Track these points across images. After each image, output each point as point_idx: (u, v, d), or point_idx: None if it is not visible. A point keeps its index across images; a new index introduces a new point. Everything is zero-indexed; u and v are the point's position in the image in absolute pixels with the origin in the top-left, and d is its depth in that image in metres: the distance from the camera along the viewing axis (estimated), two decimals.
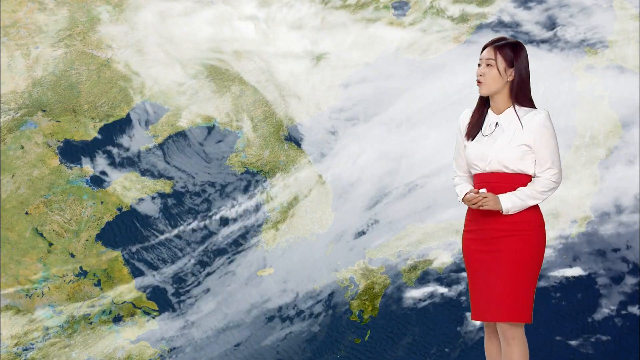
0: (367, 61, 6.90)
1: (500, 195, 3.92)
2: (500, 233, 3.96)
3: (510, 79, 3.93)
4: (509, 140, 3.92)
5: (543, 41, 6.82)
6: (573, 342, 6.36)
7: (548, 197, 3.94)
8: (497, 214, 3.94)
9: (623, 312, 6.42)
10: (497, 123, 3.98)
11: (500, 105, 3.98)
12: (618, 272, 6.50)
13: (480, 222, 4.02)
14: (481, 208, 3.92)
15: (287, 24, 6.89)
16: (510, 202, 3.91)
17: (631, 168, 6.63)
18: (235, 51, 6.88)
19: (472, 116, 4.07)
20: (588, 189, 6.64)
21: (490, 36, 6.52)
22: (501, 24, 6.90)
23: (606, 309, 6.43)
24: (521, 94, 3.94)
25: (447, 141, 6.76)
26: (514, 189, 3.92)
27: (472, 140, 4.04)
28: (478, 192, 3.93)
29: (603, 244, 6.56)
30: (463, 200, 4.00)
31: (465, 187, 4.10)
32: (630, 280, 6.48)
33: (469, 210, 4.07)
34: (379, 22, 6.89)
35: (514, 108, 3.94)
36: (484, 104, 4.05)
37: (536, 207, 3.97)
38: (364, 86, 6.88)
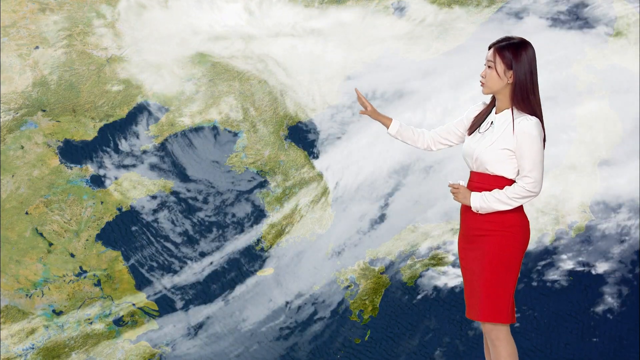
0: (370, 57, 6.89)
1: (473, 193, 3.94)
2: (479, 232, 3.97)
3: (510, 81, 3.92)
4: (492, 142, 3.92)
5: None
6: (573, 342, 6.36)
7: (520, 204, 3.90)
8: (476, 213, 3.96)
9: (623, 311, 6.42)
10: (491, 122, 3.98)
11: (501, 105, 3.99)
12: (618, 272, 6.51)
13: (464, 219, 4.06)
14: (455, 200, 4.00)
15: (288, 12, 6.88)
16: (479, 202, 3.92)
17: (631, 167, 6.63)
18: (235, 49, 6.88)
19: (480, 111, 4.09)
20: (588, 189, 6.64)
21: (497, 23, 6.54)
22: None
23: (606, 308, 6.44)
24: (519, 97, 3.91)
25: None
26: (490, 190, 3.93)
27: (468, 135, 4.07)
28: (458, 184, 3.98)
29: (603, 243, 6.56)
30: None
31: (407, 129, 4.22)
32: (630, 280, 6.49)
33: (460, 207, 4.10)
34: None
35: (512, 110, 3.94)
36: (493, 101, 4.06)
37: (518, 208, 3.96)
38: (367, 83, 6.87)
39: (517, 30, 6.82)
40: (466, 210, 4.03)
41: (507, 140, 3.89)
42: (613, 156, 6.67)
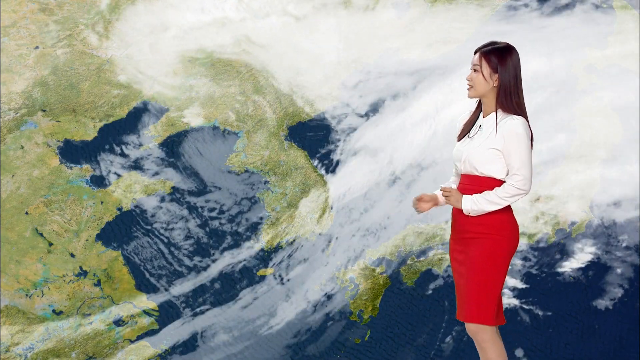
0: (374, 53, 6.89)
1: (464, 196, 4.00)
2: (468, 234, 4.04)
3: (495, 84, 4.01)
4: (480, 143, 4.00)
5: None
6: (573, 342, 6.36)
7: (511, 203, 3.96)
8: (467, 215, 4.02)
9: (623, 311, 6.42)
10: (480, 126, 4.06)
11: (487, 109, 4.10)
12: (618, 272, 6.51)
13: (455, 222, 4.12)
14: (447, 203, 4.08)
15: (292, 12, 6.88)
16: (470, 204, 3.98)
17: (631, 167, 6.63)
18: (235, 48, 6.88)
19: (468, 119, 4.18)
20: (588, 189, 6.64)
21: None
22: None
23: (606, 308, 6.44)
24: (505, 100, 4.01)
25: (450, 140, 6.77)
26: (480, 192, 3.99)
27: (458, 141, 4.14)
28: (450, 187, 4.07)
29: (603, 243, 6.56)
30: None
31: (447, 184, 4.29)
32: (630, 279, 6.49)
33: (452, 210, 4.16)
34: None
35: (496, 113, 4.01)
36: (479, 106, 4.15)
37: (506, 210, 4.02)
38: (370, 79, 6.87)
39: (517, 28, 6.83)
40: (457, 213, 4.10)
41: (495, 140, 3.97)
42: (613, 156, 6.67)
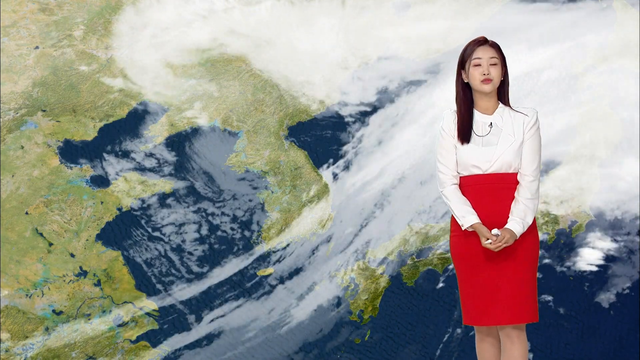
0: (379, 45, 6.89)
1: (509, 226, 3.87)
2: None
3: (502, 77, 3.98)
4: (513, 141, 3.92)
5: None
6: (573, 342, 6.36)
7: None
8: (497, 218, 3.91)
9: (623, 311, 6.42)
10: (491, 123, 3.97)
11: (490, 106, 3.99)
12: (618, 271, 6.51)
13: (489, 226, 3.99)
14: (504, 246, 3.88)
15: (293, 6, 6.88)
16: (519, 227, 3.86)
17: (631, 168, 6.63)
18: (234, 47, 6.88)
19: (460, 118, 4.01)
20: (588, 189, 6.64)
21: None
22: None
23: (606, 308, 6.44)
24: (505, 93, 4.01)
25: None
26: (512, 188, 3.92)
27: (466, 142, 4.01)
28: (495, 237, 3.86)
29: (603, 243, 6.57)
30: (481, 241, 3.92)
31: (467, 212, 3.95)
32: (630, 279, 6.49)
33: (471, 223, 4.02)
34: None
35: (504, 107, 3.98)
36: (468, 104, 4.04)
37: None
38: (372, 73, 6.87)
39: (518, 27, 6.83)
40: (483, 218, 3.92)
41: (520, 136, 3.93)
42: (613, 155, 6.67)
